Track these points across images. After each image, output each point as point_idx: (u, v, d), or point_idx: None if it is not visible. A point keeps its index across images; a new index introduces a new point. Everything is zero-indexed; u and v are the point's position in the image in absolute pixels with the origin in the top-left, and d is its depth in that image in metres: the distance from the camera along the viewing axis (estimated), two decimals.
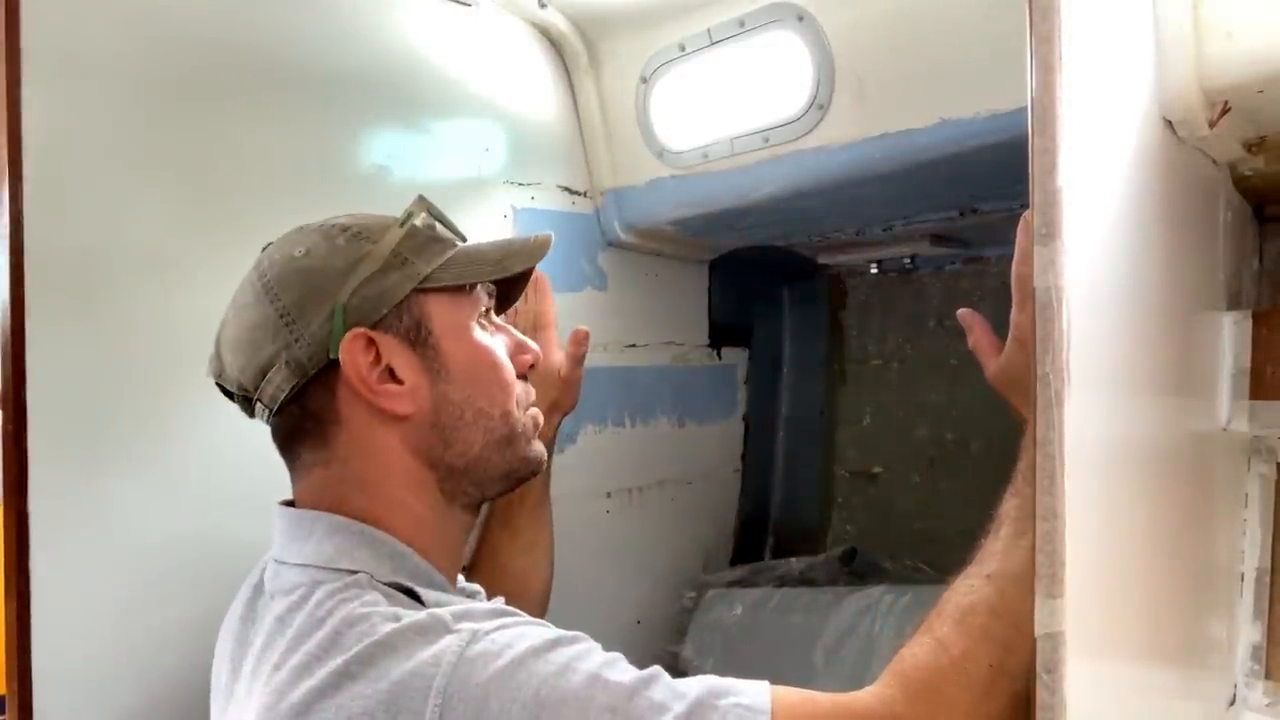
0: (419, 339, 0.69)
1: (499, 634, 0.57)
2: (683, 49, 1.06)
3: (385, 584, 0.63)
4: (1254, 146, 0.71)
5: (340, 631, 0.57)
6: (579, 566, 1.14)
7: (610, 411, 1.25)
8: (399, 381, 0.68)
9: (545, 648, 0.56)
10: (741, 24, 1.00)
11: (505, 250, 0.75)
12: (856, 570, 1.25)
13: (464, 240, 0.76)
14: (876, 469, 1.50)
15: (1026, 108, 0.40)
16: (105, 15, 0.78)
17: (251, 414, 0.70)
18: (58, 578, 0.74)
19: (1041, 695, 0.39)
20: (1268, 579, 0.81)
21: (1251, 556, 0.81)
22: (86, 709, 0.77)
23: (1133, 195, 0.53)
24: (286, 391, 0.66)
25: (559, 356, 1.03)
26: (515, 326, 1.06)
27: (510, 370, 0.74)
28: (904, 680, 0.58)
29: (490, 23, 1.09)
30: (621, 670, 0.57)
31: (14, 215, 0.72)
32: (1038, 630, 0.39)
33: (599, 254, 1.23)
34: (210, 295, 0.85)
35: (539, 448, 0.77)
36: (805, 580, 1.25)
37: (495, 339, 0.75)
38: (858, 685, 0.59)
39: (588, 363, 1.08)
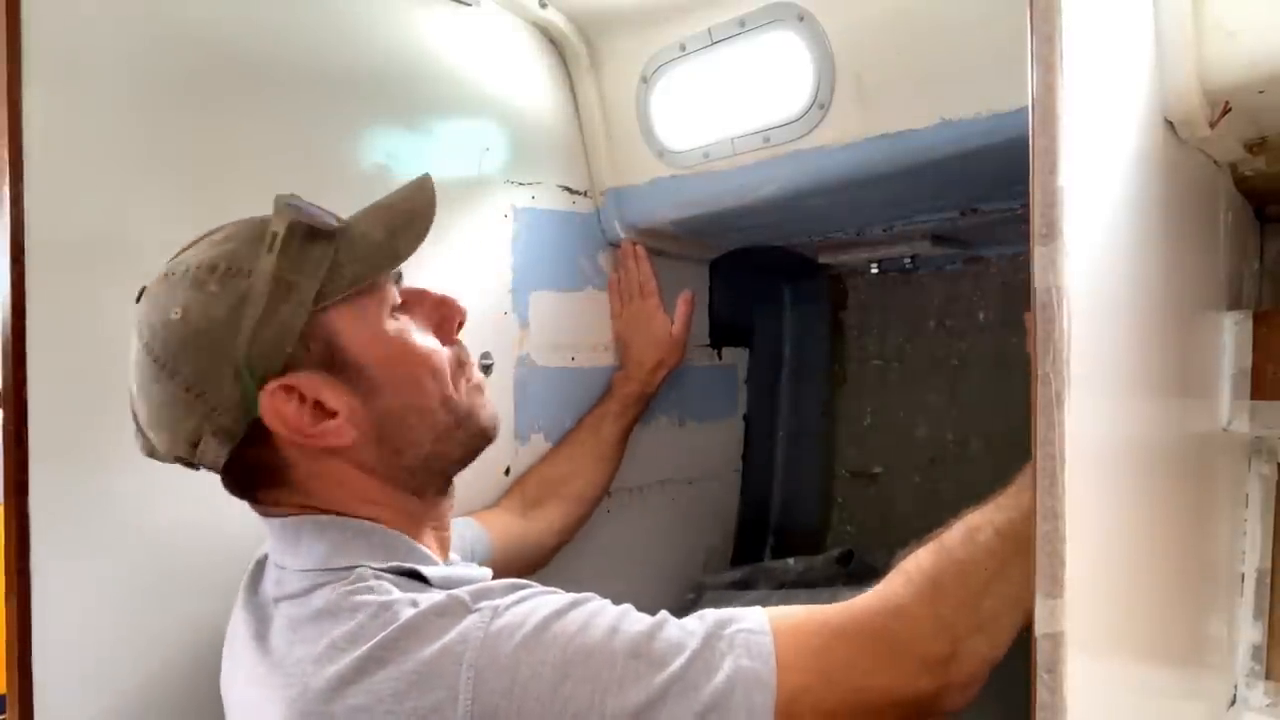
0: (335, 363, 0.64)
1: (518, 607, 0.58)
2: (683, 49, 1.06)
3: (385, 570, 0.63)
4: (1255, 147, 0.71)
5: (362, 623, 0.57)
6: (579, 566, 1.14)
7: None
8: (332, 413, 0.64)
9: (564, 610, 0.58)
10: (742, 24, 1.00)
11: (388, 223, 0.67)
12: (854, 572, 1.25)
13: (338, 221, 0.67)
14: (876, 469, 1.50)
15: (1027, 108, 0.40)
16: (105, 15, 0.77)
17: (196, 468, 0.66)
18: (58, 577, 0.74)
19: (1041, 695, 0.38)
20: (1268, 579, 0.81)
21: (1251, 556, 0.81)
22: (87, 709, 0.77)
23: (1133, 195, 0.53)
24: (225, 456, 0.63)
25: (664, 319, 1.18)
26: (621, 294, 1.25)
27: (436, 353, 0.69)
28: (905, 575, 0.62)
29: (491, 22, 1.09)
30: (635, 619, 0.59)
31: (15, 215, 0.72)
32: (1038, 630, 0.39)
33: (599, 254, 1.23)
34: None
35: (490, 410, 0.74)
36: (803, 582, 1.25)
37: (412, 324, 0.69)
38: None
39: (588, 363, 1.08)
